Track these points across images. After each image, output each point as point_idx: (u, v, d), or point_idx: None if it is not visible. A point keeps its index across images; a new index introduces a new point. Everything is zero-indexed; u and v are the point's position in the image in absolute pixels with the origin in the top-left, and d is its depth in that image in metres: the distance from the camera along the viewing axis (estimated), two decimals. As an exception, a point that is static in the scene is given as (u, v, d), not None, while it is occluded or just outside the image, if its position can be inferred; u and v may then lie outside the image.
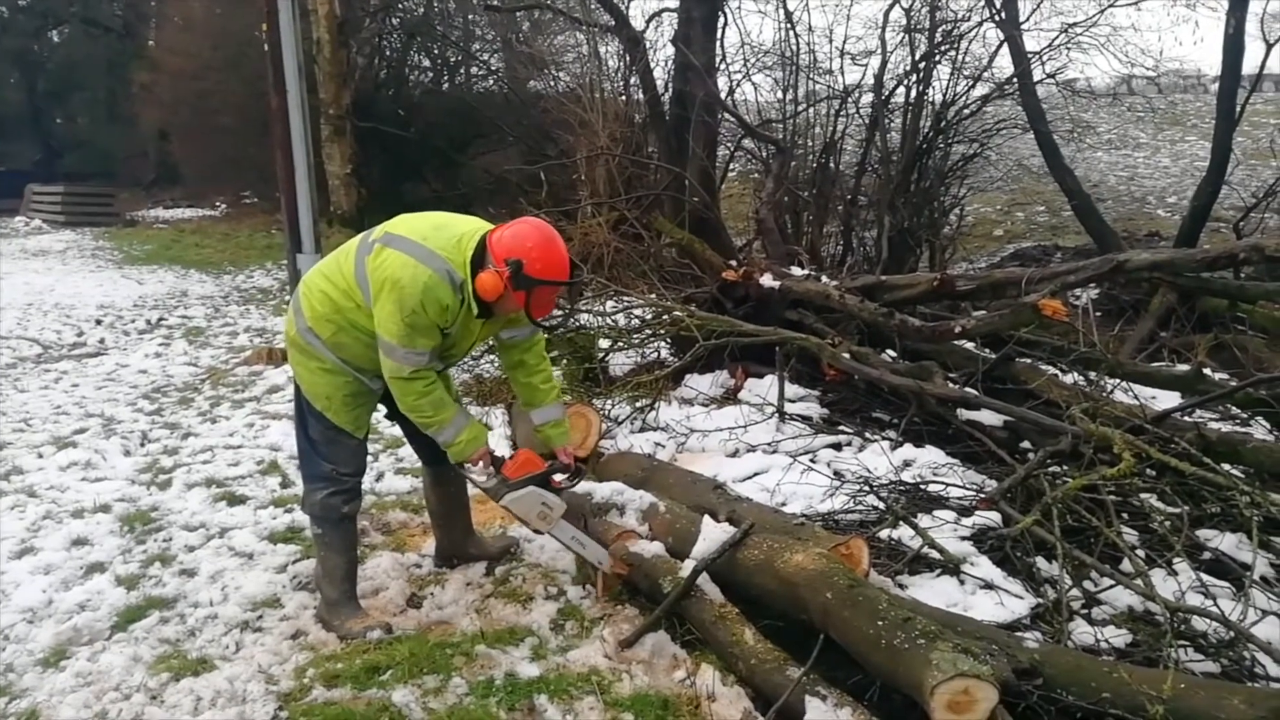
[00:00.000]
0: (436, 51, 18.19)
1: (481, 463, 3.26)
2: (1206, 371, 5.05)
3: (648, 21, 11.24)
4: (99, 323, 9.69)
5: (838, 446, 5.03)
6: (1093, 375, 5.12)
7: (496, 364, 6.48)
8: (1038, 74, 10.54)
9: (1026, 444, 4.72)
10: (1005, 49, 10.38)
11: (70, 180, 22.05)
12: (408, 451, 4.69)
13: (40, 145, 26.78)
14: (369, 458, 5.08)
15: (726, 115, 10.36)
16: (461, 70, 18.47)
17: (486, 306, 3.13)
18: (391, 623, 3.33)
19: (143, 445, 5.43)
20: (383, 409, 3.51)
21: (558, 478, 3.37)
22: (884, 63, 9.88)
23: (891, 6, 9.87)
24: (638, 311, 6.45)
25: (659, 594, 3.26)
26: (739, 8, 16.65)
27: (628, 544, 3.53)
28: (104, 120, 26.18)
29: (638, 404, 5.58)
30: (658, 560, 3.41)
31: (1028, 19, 10.55)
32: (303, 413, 3.31)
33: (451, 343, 3.24)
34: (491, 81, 17.67)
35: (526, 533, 3.98)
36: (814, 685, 2.71)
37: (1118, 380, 5.00)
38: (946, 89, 10.02)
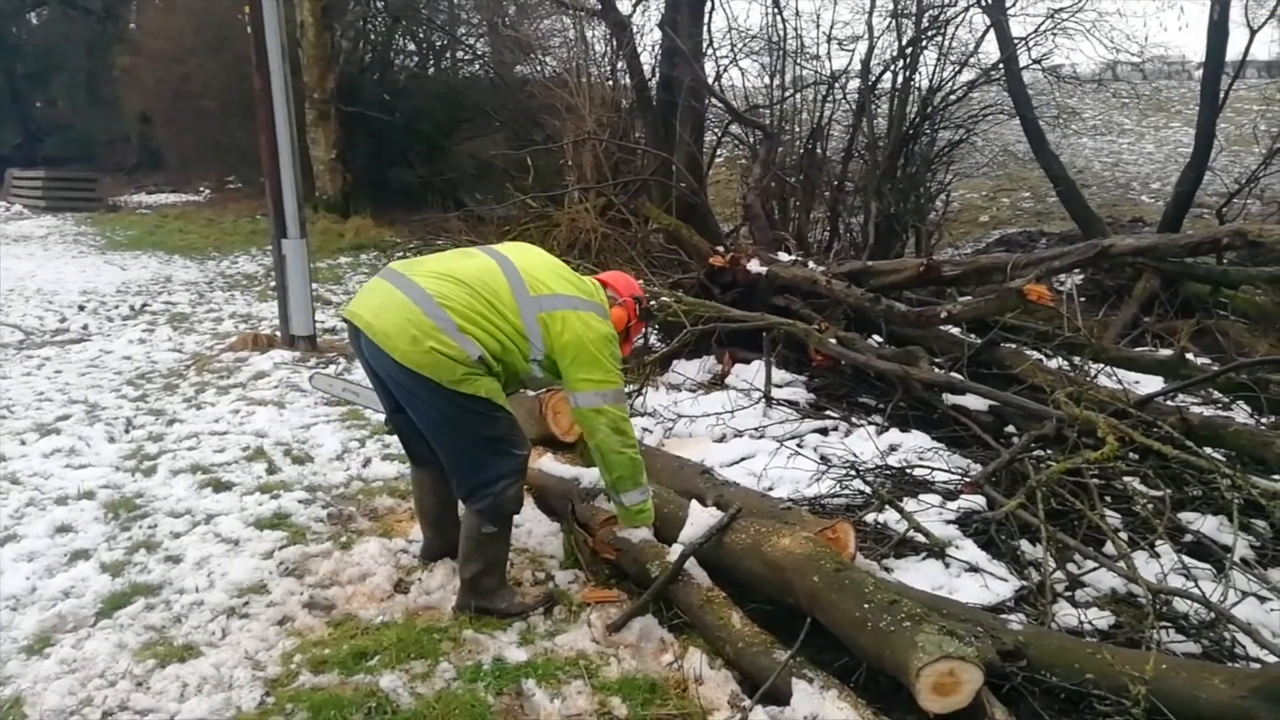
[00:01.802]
0: (422, 35, 18.04)
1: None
2: (1189, 356, 5.10)
3: (634, 6, 11.20)
4: (82, 309, 9.59)
5: (824, 431, 5.05)
6: (1077, 360, 5.16)
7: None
8: (1023, 59, 10.58)
9: (1011, 428, 4.76)
10: (991, 34, 10.40)
11: (51, 165, 21.73)
12: (394, 437, 4.66)
13: (20, 129, 26.40)
14: (356, 444, 5.11)
15: (713, 100, 10.33)
16: (447, 54, 18.32)
17: None
18: (381, 607, 3.34)
19: (127, 432, 5.39)
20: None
21: None
22: (871, 48, 9.88)
23: (878, -9, 9.86)
24: (625, 297, 6.43)
25: (646, 579, 3.27)
26: (726, -8, 16.59)
27: (615, 530, 3.54)
28: (85, 104, 25.83)
29: (625, 389, 5.57)
30: (645, 545, 3.42)
31: (1014, 4, 10.58)
32: (474, 419, 3.17)
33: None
34: (477, 66, 17.53)
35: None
36: (800, 668, 2.73)
37: (1101, 365, 5.04)
38: (933, 74, 10.05)
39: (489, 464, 3.23)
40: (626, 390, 3.42)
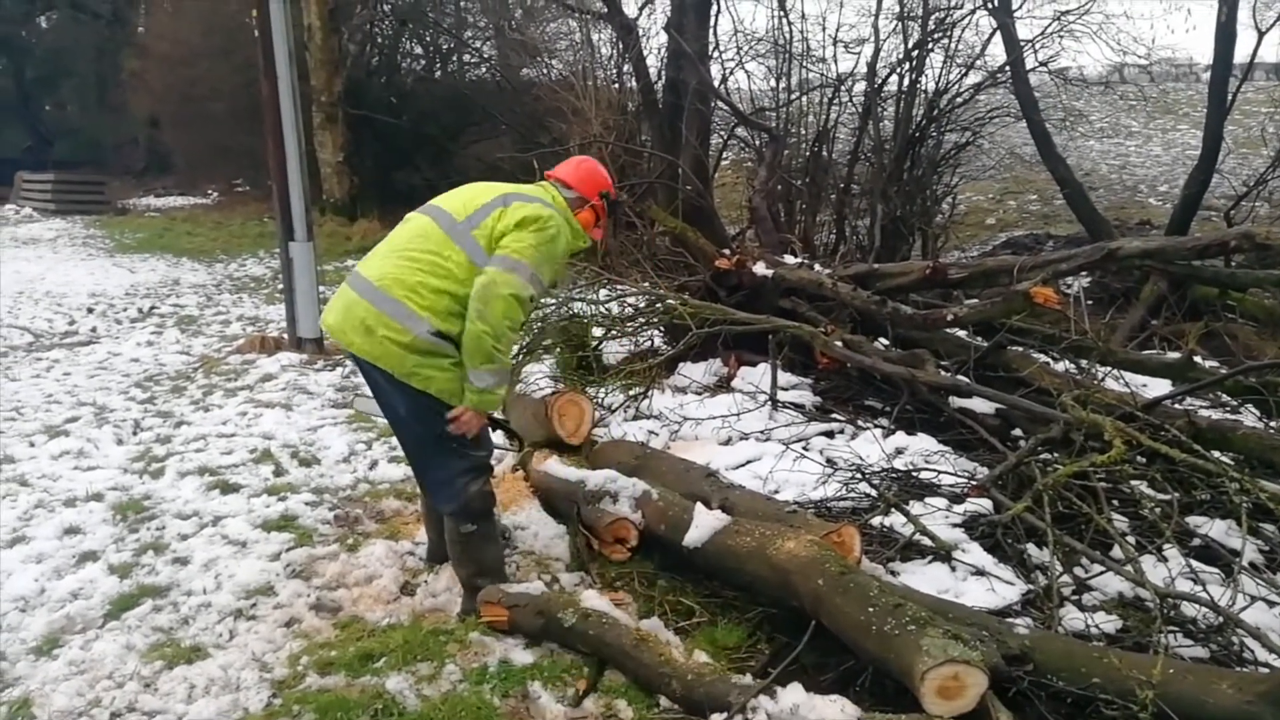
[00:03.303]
0: (429, 39, 18.12)
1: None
2: (1197, 359, 5.08)
3: (640, 9, 11.23)
4: (91, 311, 9.64)
5: (830, 434, 5.04)
6: (1084, 363, 5.14)
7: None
8: (1030, 62, 10.55)
9: (1018, 431, 4.75)
10: (998, 37, 10.37)
11: (61, 168, 21.85)
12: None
13: (30, 132, 26.56)
14: (363, 446, 5.13)
15: (720, 103, 10.34)
16: (454, 58, 18.40)
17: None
18: (387, 609, 3.34)
19: (135, 434, 5.42)
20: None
21: None
22: (877, 51, 9.87)
23: (885, -6, 9.85)
24: (631, 300, 6.44)
25: (557, 629, 3.05)
26: (732, -5, 16.57)
27: (504, 587, 3.28)
28: (94, 107, 25.97)
29: (631, 392, 5.58)
30: (549, 596, 3.22)
31: (1020, 6, 10.55)
32: (428, 415, 3.17)
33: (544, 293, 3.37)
34: (484, 69, 17.60)
35: (518, 519, 4.00)
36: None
37: (1109, 368, 5.02)
38: (939, 77, 10.02)
39: (444, 462, 3.24)
40: (538, 295, 3.15)
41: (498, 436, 3.80)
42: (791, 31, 10.38)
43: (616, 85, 10.94)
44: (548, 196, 3.30)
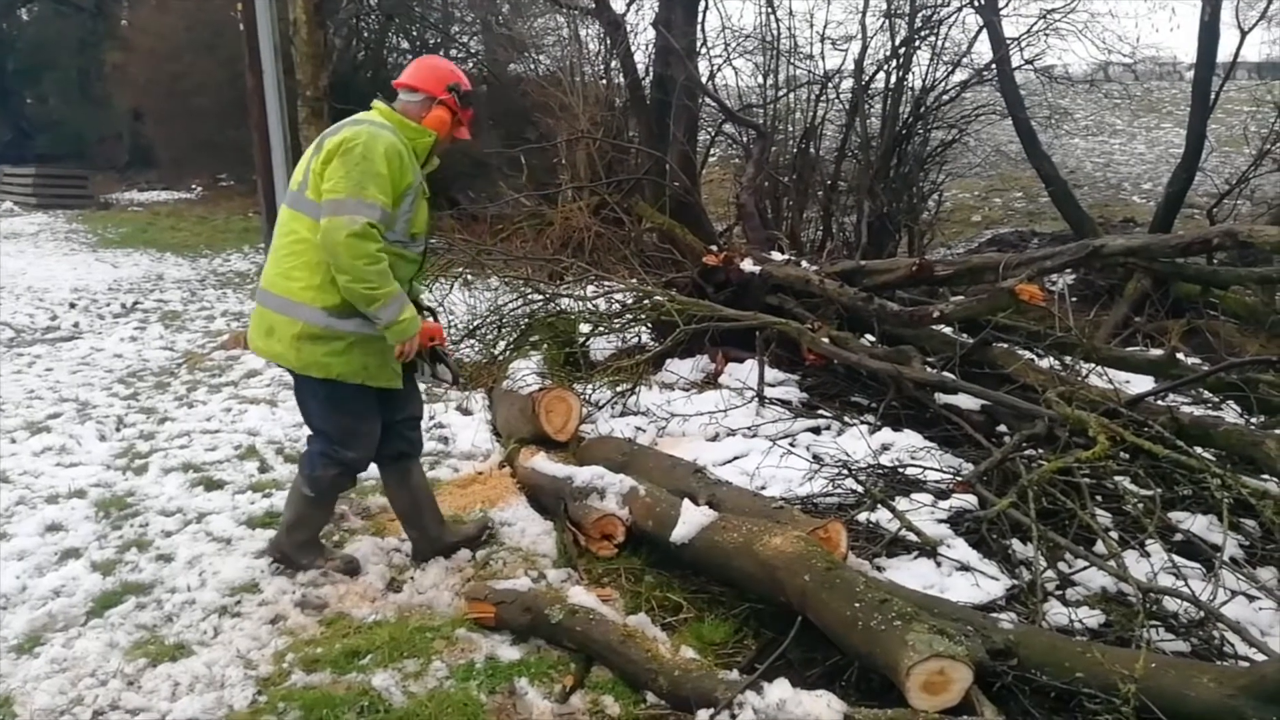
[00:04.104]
0: (415, 33, 18.02)
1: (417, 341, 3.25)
2: (1180, 356, 5.13)
3: (628, 5, 11.20)
4: (73, 306, 9.56)
5: (817, 430, 5.06)
6: (1068, 359, 5.18)
7: (478, 349, 6.47)
8: (1016, 60, 10.59)
9: (1003, 428, 4.78)
10: (984, 35, 10.41)
11: (42, 162, 21.64)
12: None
13: (11, 126, 26.27)
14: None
15: (707, 99, 10.34)
16: (441, 53, 18.30)
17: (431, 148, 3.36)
18: (373, 606, 3.33)
19: (118, 430, 5.37)
20: None
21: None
22: (864, 48, 9.89)
23: (872, -9, 9.87)
24: (618, 296, 6.44)
25: (544, 625, 3.05)
26: (720, -9, 16.58)
27: (490, 582, 3.33)
28: (76, 101, 25.72)
29: (618, 388, 5.58)
30: (536, 592, 3.22)
31: (1007, 4, 10.58)
32: (323, 404, 3.34)
33: (411, 211, 3.26)
34: (471, 64, 17.51)
35: (504, 516, 3.99)
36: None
37: (1093, 364, 5.06)
38: (926, 75, 10.06)
39: (319, 447, 3.41)
40: (380, 218, 3.03)
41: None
42: (779, 28, 10.41)
43: (604, 81, 10.91)
44: (368, 115, 3.25)
